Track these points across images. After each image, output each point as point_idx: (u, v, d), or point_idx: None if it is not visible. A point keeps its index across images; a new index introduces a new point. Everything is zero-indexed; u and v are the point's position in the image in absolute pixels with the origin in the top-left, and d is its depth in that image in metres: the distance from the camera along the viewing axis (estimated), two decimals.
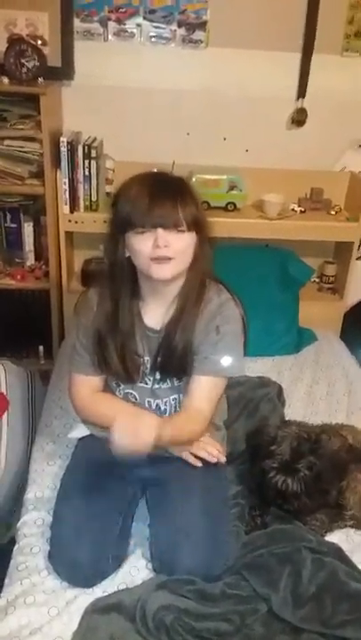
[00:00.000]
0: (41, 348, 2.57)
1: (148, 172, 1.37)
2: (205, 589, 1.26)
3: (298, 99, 2.40)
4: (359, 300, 2.77)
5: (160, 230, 1.27)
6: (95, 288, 1.46)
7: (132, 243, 1.31)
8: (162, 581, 1.28)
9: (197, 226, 1.33)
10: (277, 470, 1.41)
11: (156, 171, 1.40)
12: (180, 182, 1.36)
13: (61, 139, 2.17)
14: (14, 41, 2.16)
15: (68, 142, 2.18)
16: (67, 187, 2.24)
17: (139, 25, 2.25)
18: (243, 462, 1.63)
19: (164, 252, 1.28)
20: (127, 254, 1.34)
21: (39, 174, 2.24)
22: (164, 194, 1.28)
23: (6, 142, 2.20)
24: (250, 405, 1.87)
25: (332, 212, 2.49)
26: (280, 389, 2.01)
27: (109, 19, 2.23)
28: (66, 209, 2.29)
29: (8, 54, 2.12)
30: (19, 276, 2.41)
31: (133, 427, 1.23)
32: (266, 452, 1.44)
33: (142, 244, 1.29)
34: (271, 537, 1.37)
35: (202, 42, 2.29)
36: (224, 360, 1.42)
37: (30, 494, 1.55)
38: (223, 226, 2.33)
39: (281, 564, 1.30)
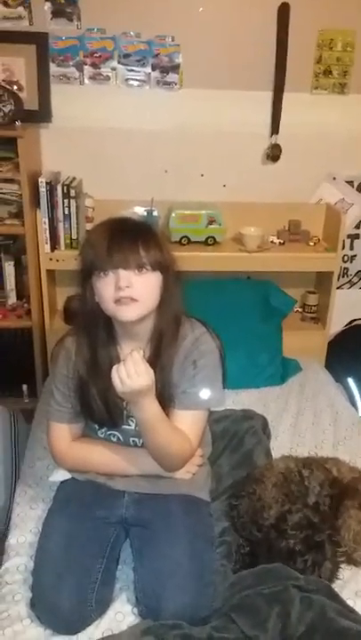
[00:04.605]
0: (24, 386, 2.55)
1: (110, 218, 1.38)
2: (192, 634, 1.22)
3: (272, 135, 2.46)
4: (343, 328, 2.79)
5: (121, 271, 1.28)
6: (72, 336, 1.46)
7: (97, 287, 1.32)
8: (147, 627, 1.24)
9: (162, 266, 1.33)
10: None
11: (120, 217, 1.40)
12: (142, 225, 1.36)
13: (40, 179, 2.20)
14: None
15: (46, 183, 2.21)
16: (47, 226, 2.27)
17: (114, 69, 2.32)
18: (228, 498, 1.61)
19: (127, 292, 1.28)
20: (97, 299, 1.34)
21: (19, 214, 2.27)
22: (123, 236, 1.29)
23: None
24: (234, 439, 1.85)
25: (311, 244, 2.53)
26: (265, 422, 2.00)
27: (85, 63, 2.30)
28: (47, 248, 2.31)
29: None
30: (0, 315, 2.41)
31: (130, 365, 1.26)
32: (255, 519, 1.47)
33: (105, 288, 1.30)
34: (258, 576, 1.34)
35: (176, 84, 2.35)
36: (203, 393, 1.42)
37: (12, 540, 1.51)
38: (204, 260, 2.37)
39: (269, 605, 1.27)
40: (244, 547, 1.48)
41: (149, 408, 1.32)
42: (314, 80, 2.42)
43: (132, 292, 1.29)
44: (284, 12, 2.29)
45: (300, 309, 2.72)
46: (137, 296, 1.30)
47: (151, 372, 1.28)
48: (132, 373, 1.24)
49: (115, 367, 1.26)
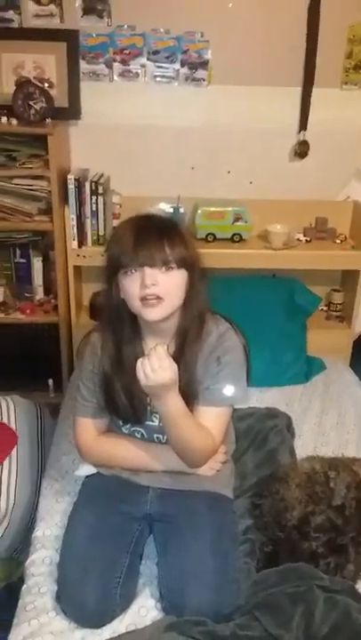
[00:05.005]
0: (50, 381, 2.58)
1: (137, 215, 1.39)
2: (216, 630, 1.24)
3: (300, 131, 2.44)
4: None
5: (147, 269, 1.29)
6: (97, 332, 1.48)
7: (122, 284, 1.34)
8: (171, 622, 1.25)
9: (188, 264, 1.34)
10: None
11: (146, 213, 1.41)
12: (168, 222, 1.37)
13: (69, 176, 2.22)
14: (22, 84, 2.23)
15: (75, 179, 2.23)
16: (74, 222, 2.29)
17: (143, 65, 2.32)
18: (252, 496, 1.61)
19: (153, 290, 1.29)
20: (122, 296, 1.36)
21: (48, 211, 2.29)
22: (149, 233, 1.31)
23: (15, 181, 2.26)
24: (258, 437, 1.85)
25: (338, 241, 2.51)
26: (289, 420, 1.99)
27: (114, 60, 2.30)
28: (74, 244, 2.33)
29: (16, 97, 2.18)
30: (28, 311, 2.44)
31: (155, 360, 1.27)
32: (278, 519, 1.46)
33: (131, 285, 1.31)
34: (283, 575, 1.35)
35: (204, 80, 2.35)
36: (226, 389, 1.42)
37: (39, 532, 1.54)
38: (229, 257, 2.37)
39: (293, 604, 1.27)
40: (267, 545, 1.49)
41: (173, 402, 1.33)
42: (344, 75, 2.39)
43: (158, 290, 1.30)
44: (314, 7, 2.26)
45: (325, 308, 2.69)
46: (163, 294, 1.30)
47: (175, 366, 1.29)
48: (156, 367, 1.26)
49: (139, 361, 1.28)
